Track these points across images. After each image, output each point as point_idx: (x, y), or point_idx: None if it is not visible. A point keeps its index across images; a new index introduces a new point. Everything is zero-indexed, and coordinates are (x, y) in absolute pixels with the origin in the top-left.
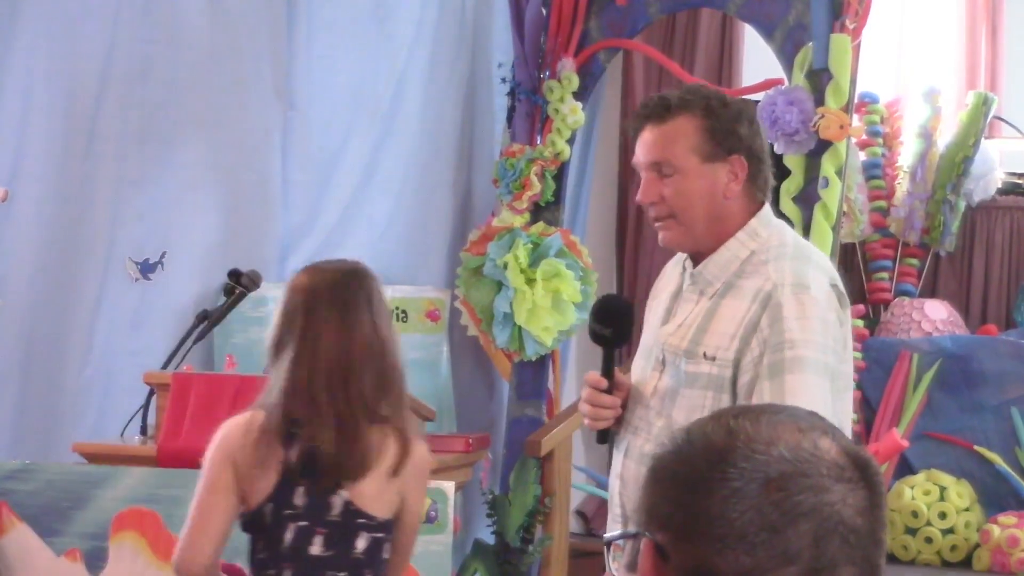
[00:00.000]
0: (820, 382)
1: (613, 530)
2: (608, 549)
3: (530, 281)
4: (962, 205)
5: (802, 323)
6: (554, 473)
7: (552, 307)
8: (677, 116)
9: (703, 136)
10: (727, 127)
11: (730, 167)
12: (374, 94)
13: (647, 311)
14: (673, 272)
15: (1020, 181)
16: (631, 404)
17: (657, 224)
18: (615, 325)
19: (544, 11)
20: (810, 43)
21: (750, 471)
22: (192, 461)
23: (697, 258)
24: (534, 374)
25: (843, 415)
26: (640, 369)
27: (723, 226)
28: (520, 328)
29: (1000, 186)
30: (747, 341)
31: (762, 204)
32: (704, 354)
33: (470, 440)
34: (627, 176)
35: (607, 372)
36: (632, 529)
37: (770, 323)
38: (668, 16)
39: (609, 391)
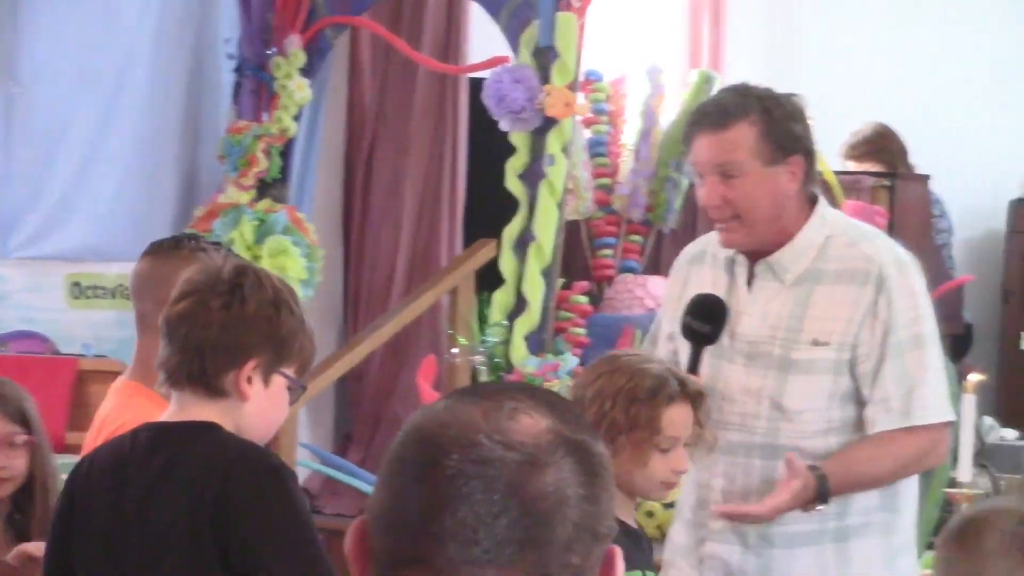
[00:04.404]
0: (936, 352)
1: (682, 536)
2: None
3: (256, 258)
4: (685, 183)
5: (913, 299)
6: (279, 451)
7: None
8: (737, 122)
9: (763, 141)
10: (784, 129)
11: (789, 168)
12: (100, 70)
13: (668, 309)
14: (700, 269)
15: None
16: (715, 402)
17: (719, 226)
18: (714, 323)
19: None
20: (536, 21)
21: (407, 457)
22: None
23: (754, 254)
24: None
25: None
26: (706, 366)
27: (783, 224)
28: None
29: None
30: (865, 324)
31: (815, 194)
32: (815, 340)
33: None
34: (354, 153)
35: (694, 371)
36: None
37: (887, 304)
38: None
39: None
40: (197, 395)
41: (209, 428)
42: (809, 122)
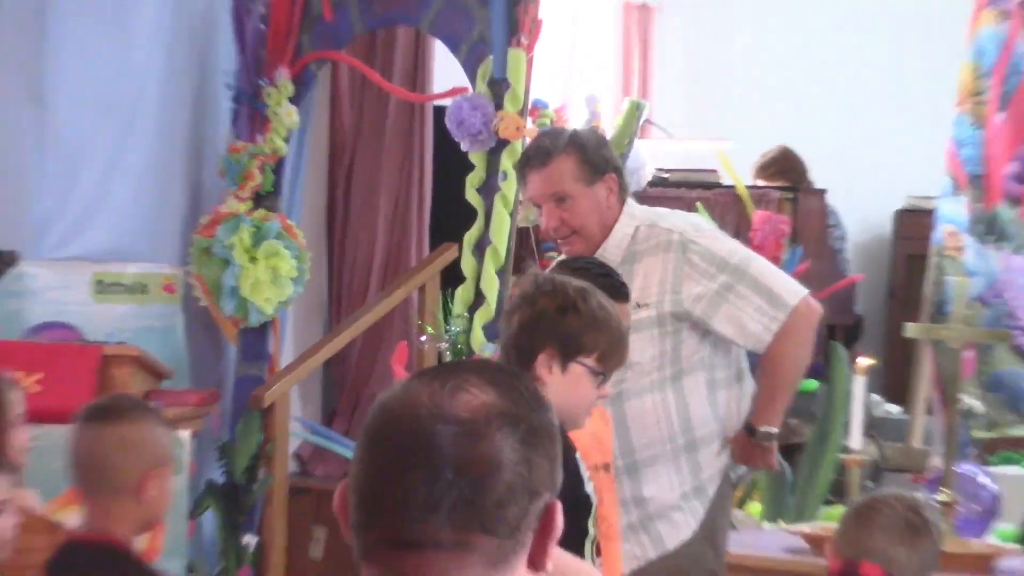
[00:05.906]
0: (762, 260)
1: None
2: None
3: (253, 259)
4: None
5: (720, 242)
6: (275, 423)
7: (272, 281)
8: (556, 157)
9: (581, 167)
10: (596, 154)
11: (606, 184)
12: (117, 97)
13: None
14: None
15: (666, 175)
16: None
17: (560, 242)
18: None
19: (263, 26)
20: (490, 56)
21: (368, 431)
22: None
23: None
24: (257, 338)
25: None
26: None
27: (609, 229)
28: (245, 299)
29: (650, 179)
30: (680, 283)
31: (624, 198)
32: (637, 304)
33: (203, 395)
34: (335, 169)
35: None
36: None
37: (701, 258)
38: (370, 31)
39: None
40: None
41: None
42: (611, 148)
